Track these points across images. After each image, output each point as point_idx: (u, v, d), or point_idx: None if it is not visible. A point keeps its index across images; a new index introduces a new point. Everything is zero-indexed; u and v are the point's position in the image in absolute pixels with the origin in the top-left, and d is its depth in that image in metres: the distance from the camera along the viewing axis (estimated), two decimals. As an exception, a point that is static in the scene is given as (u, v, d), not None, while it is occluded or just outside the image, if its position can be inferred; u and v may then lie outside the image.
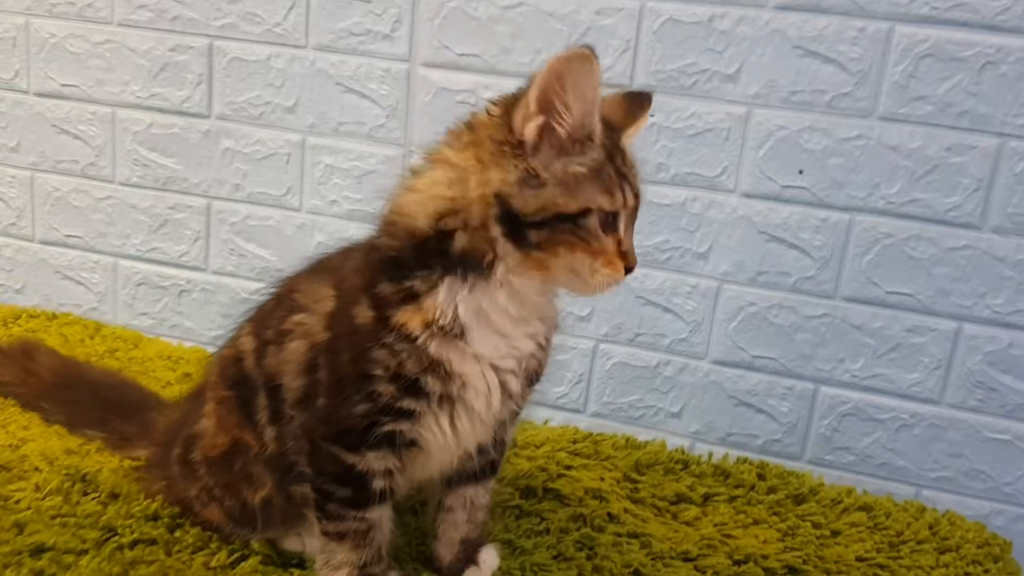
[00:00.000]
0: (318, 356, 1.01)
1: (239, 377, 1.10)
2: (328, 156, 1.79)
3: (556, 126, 0.92)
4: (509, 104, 0.94)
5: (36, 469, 1.24)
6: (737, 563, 1.18)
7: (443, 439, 1.00)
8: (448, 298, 0.95)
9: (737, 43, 1.56)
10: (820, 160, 1.57)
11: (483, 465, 1.10)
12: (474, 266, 0.95)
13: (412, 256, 0.96)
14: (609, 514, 1.25)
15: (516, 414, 1.09)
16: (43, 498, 1.16)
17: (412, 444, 1.01)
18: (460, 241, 0.94)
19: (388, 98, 1.74)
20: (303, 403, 1.03)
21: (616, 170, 0.95)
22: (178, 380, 1.58)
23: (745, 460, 1.48)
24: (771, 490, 1.39)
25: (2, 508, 1.12)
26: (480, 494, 1.12)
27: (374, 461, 0.99)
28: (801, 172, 1.56)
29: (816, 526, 1.30)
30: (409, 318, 0.95)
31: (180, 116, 1.84)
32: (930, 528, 1.33)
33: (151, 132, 1.85)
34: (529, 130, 0.92)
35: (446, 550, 1.12)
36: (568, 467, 1.37)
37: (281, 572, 1.06)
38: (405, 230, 0.97)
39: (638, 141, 1.07)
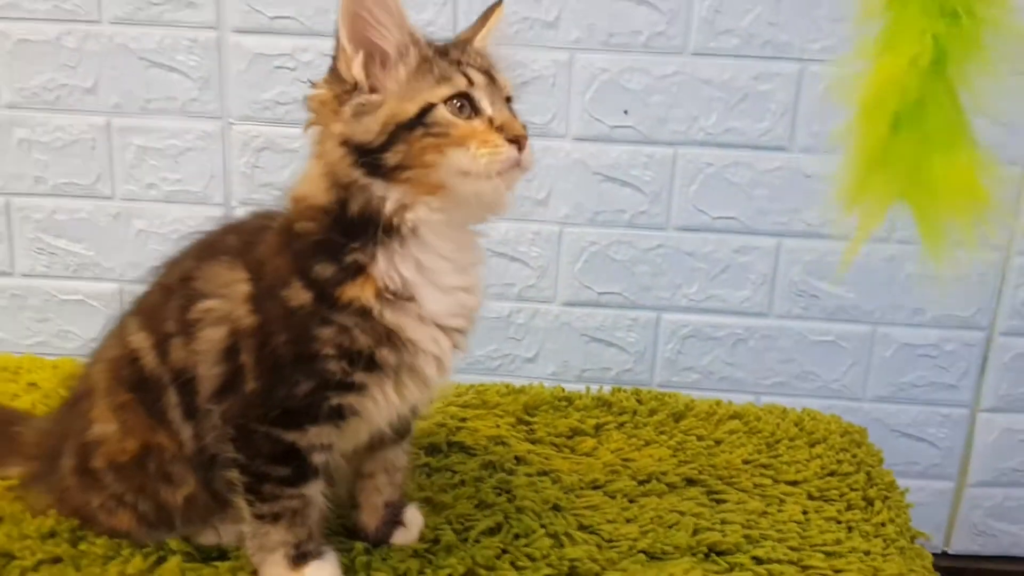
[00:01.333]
0: (239, 341, 0.98)
1: (138, 377, 1.04)
2: (139, 137, 1.69)
3: (378, 51, 0.94)
4: (332, 61, 0.96)
5: None
6: (641, 483, 1.27)
7: (387, 407, 1.00)
8: (388, 262, 0.95)
9: (553, -10, 1.63)
10: (642, 99, 1.67)
11: (400, 427, 1.10)
12: (381, 224, 0.94)
13: (339, 232, 0.95)
14: (516, 457, 1.30)
15: None
16: None
17: (355, 414, 1.00)
18: (352, 206, 0.94)
19: (199, 69, 1.66)
20: (224, 391, 0.99)
21: (450, 61, 0.96)
22: (25, 391, 1.47)
23: (620, 390, 1.57)
24: (652, 412, 1.49)
25: None
26: (399, 455, 1.13)
27: (315, 436, 0.98)
28: (626, 112, 1.66)
29: (700, 439, 1.41)
30: (359, 291, 0.94)
31: (-40, 108, 1.70)
32: (796, 425, 1.47)
33: (-74, 128, 1.70)
34: (355, 69, 0.94)
35: (370, 517, 1.12)
36: (463, 419, 1.41)
37: (204, 567, 1.03)
38: (316, 210, 0.96)
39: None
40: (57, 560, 1.02)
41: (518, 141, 0.93)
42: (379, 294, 0.94)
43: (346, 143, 0.94)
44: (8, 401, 1.40)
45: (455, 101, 0.93)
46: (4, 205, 1.72)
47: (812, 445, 1.39)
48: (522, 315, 1.76)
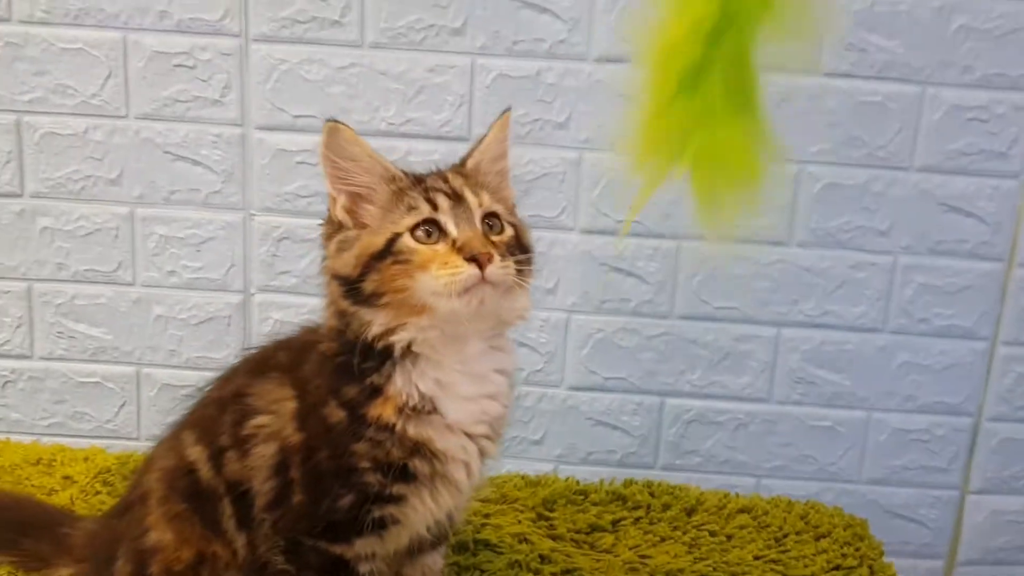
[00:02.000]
0: (289, 457, 1.05)
1: (194, 489, 1.10)
2: (161, 226, 1.76)
3: (353, 189, 1.04)
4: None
5: None
6: (661, 581, 1.35)
7: (425, 514, 1.06)
8: (405, 380, 1.02)
9: None
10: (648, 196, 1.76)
11: (438, 532, 1.16)
12: (377, 348, 1.02)
13: (358, 355, 1.02)
14: (540, 556, 1.37)
15: None
16: None
17: (395, 523, 1.06)
18: (348, 333, 1.03)
19: (222, 163, 1.74)
20: (275, 504, 1.06)
21: (421, 189, 1.05)
22: (61, 485, 1.54)
23: (632, 482, 1.65)
24: (665, 507, 1.56)
25: None
26: (436, 560, 1.20)
27: (361, 547, 1.05)
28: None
29: (712, 534, 1.48)
30: (381, 410, 1.01)
31: (-13, 197, 1.77)
32: (802, 519, 1.56)
33: (-47, 216, 1.77)
34: (337, 211, 1.05)
35: None
36: (486, 515, 1.47)
37: None
38: (334, 332, 1.06)
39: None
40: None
41: (477, 259, 0.98)
42: (400, 411, 1.02)
43: (335, 276, 1.05)
44: (45, 496, 1.46)
45: (423, 228, 1.01)
46: (26, 290, 1.78)
47: (818, 539, 1.48)
48: (530, 399, 1.83)
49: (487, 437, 1.08)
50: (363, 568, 1.06)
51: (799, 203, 1.76)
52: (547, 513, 1.52)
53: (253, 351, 1.19)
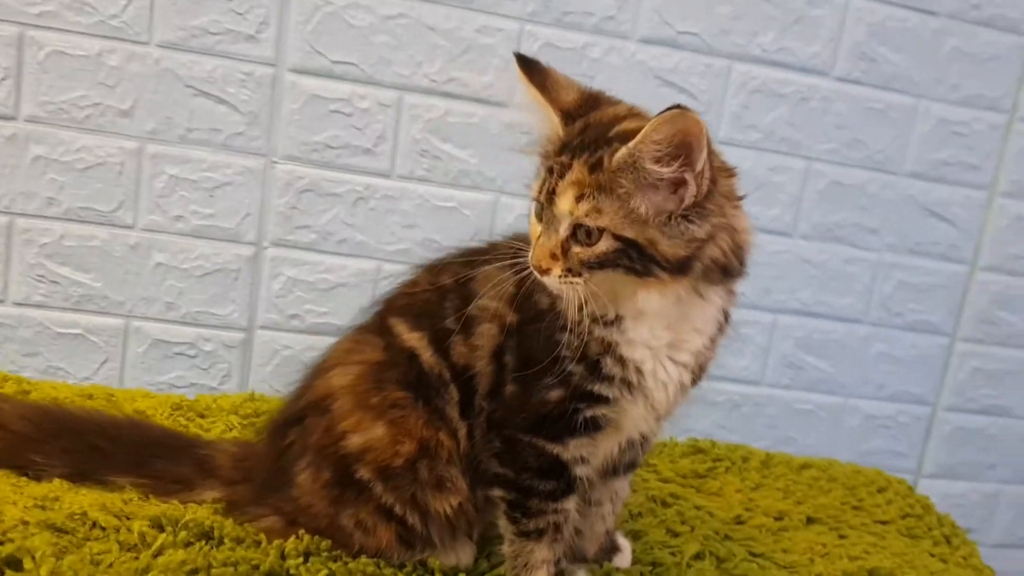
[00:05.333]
0: (506, 340, 1.09)
1: (415, 375, 1.12)
2: (173, 166, 1.69)
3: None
4: None
5: (97, 525, 1.11)
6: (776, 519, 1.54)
7: (628, 422, 1.11)
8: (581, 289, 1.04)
9: None
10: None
11: (631, 457, 1.21)
12: None
13: None
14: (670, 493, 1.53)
15: None
16: (156, 553, 1.07)
17: (607, 425, 1.10)
18: None
19: (249, 103, 1.69)
20: (493, 393, 1.10)
21: (549, 167, 1.07)
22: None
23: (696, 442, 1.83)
24: (744, 459, 1.78)
25: (112, 572, 1.02)
26: (624, 486, 1.25)
27: (575, 449, 1.09)
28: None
29: (795, 483, 1.72)
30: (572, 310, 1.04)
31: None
32: (856, 472, 1.81)
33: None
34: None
35: (591, 543, 1.23)
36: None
37: None
38: None
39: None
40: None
41: (536, 266, 1.05)
42: (580, 310, 1.03)
43: None
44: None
45: (536, 203, 1.07)
46: (6, 225, 1.64)
47: (880, 491, 1.69)
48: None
49: (685, 366, 1.10)
50: (579, 470, 1.11)
51: (805, 197, 1.96)
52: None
53: (464, 250, 1.22)
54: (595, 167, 1.02)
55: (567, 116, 1.08)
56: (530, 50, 1.76)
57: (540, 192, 1.05)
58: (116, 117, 1.65)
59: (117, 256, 1.70)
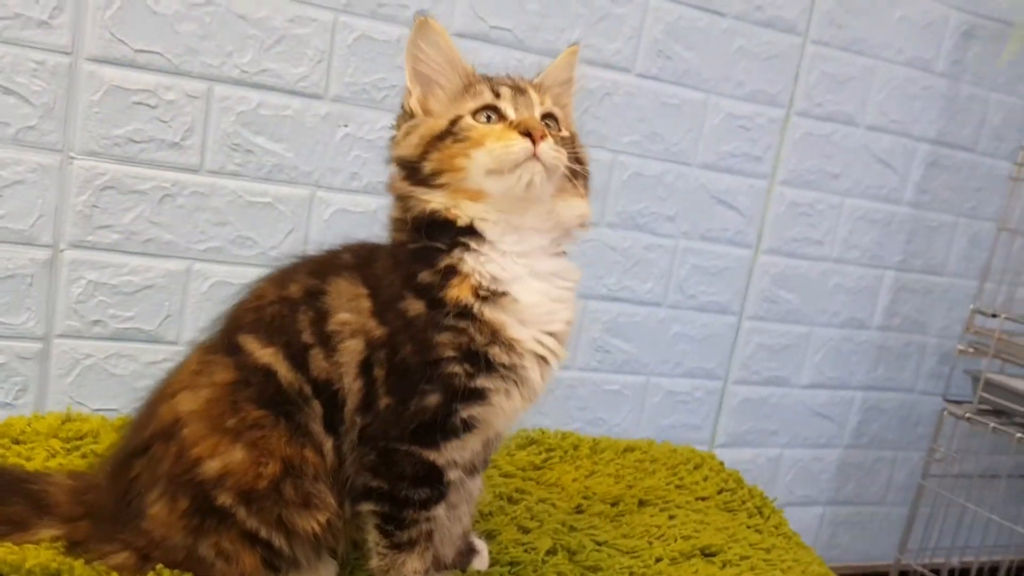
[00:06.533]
0: (375, 353, 1.09)
1: (273, 391, 1.10)
2: (-47, 163, 1.55)
3: (433, 83, 1.18)
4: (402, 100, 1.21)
5: None
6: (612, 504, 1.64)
7: (503, 415, 1.14)
8: (475, 260, 1.11)
9: None
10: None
11: (485, 455, 1.25)
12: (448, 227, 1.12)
13: (427, 239, 1.11)
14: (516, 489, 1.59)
15: None
16: None
17: (481, 423, 1.13)
18: (407, 214, 1.14)
19: (42, 95, 1.58)
20: (364, 408, 1.09)
21: (491, 81, 1.18)
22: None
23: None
24: (575, 446, 1.87)
25: None
26: (478, 484, 1.28)
27: (449, 452, 1.11)
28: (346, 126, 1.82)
29: (622, 468, 1.83)
30: (458, 290, 1.09)
31: None
32: (672, 451, 1.93)
33: None
34: (411, 102, 1.18)
35: (450, 548, 1.24)
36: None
37: None
38: (398, 222, 1.15)
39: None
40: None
41: (531, 135, 1.10)
42: (475, 292, 1.10)
43: (398, 161, 1.16)
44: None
45: (483, 113, 1.15)
46: None
47: (696, 468, 1.82)
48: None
49: (557, 336, 1.16)
50: (451, 475, 1.14)
51: (611, 188, 2.07)
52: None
53: (307, 257, 1.22)
54: (530, 82, 1.22)
55: None
56: (345, 42, 1.76)
57: (496, 95, 1.15)
58: None
59: None
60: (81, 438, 1.49)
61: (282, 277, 1.20)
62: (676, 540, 1.47)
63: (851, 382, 2.48)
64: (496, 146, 1.10)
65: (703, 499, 1.68)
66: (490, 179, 1.11)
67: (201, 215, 1.72)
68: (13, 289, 1.63)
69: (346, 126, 1.78)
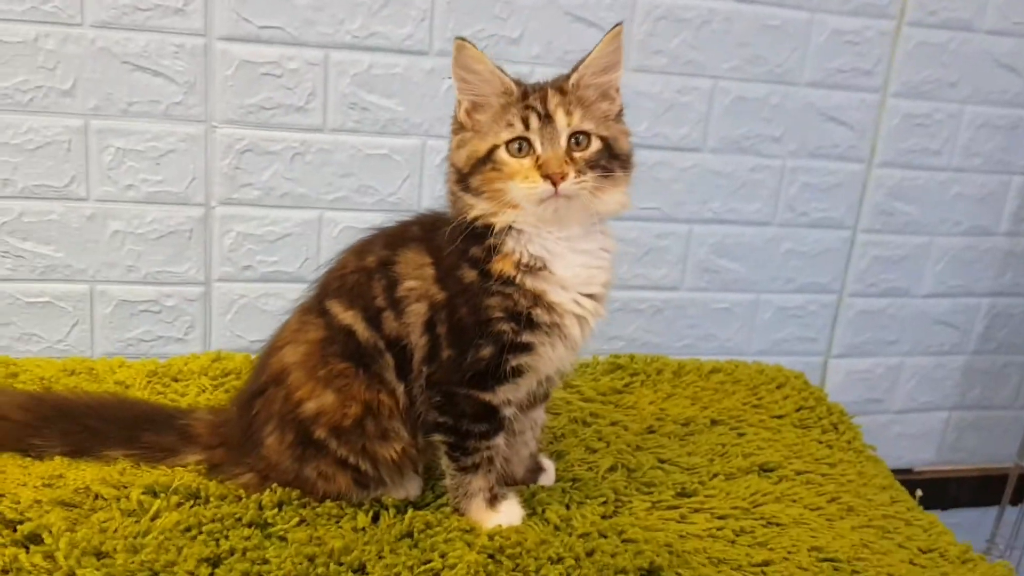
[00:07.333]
0: (437, 313, 1.31)
1: (354, 348, 1.34)
2: (118, 139, 1.83)
3: (473, 98, 1.33)
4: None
5: (100, 497, 1.33)
6: (683, 425, 1.80)
7: (549, 362, 1.34)
8: (516, 243, 1.30)
9: None
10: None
11: (547, 389, 1.46)
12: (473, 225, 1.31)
13: (463, 233, 1.30)
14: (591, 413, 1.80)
15: None
16: (153, 517, 1.29)
17: (530, 371, 1.34)
18: (453, 211, 1.34)
19: (184, 74, 1.83)
20: (429, 359, 1.32)
21: (524, 105, 1.31)
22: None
23: (618, 357, 2.06)
24: (659, 371, 2.02)
25: (119, 538, 1.23)
26: (541, 414, 1.50)
27: (503, 394, 1.33)
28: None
29: (703, 389, 1.97)
30: (503, 265, 1.29)
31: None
32: (760, 372, 2.07)
33: None
34: (460, 114, 1.35)
35: (519, 467, 1.49)
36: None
37: (417, 512, 1.35)
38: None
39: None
40: (303, 522, 1.31)
41: (552, 178, 1.27)
42: (517, 266, 1.30)
43: (453, 166, 1.35)
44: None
45: (516, 143, 1.29)
46: (-35, 209, 1.80)
47: (779, 387, 1.95)
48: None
49: (595, 298, 1.35)
50: (506, 411, 1.36)
51: (712, 115, 2.15)
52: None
53: (383, 229, 1.43)
54: (561, 91, 1.32)
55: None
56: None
57: (526, 126, 1.29)
58: (59, 98, 1.79)
59: (75, 227, 1.87)
60: (226, 375, 1.79)
61: (361, 248, 1.41)
62: (737, 457, 1.62)
63: (976, 289, 2.48)
64: (522, 186, 1.28)
65: (779, 417, 1.81)
66: (524, 202, 1.29)
67: (327, 169, 1.96)
68: (175, 243, 1.93)
69: (450, 78, 1.94)
